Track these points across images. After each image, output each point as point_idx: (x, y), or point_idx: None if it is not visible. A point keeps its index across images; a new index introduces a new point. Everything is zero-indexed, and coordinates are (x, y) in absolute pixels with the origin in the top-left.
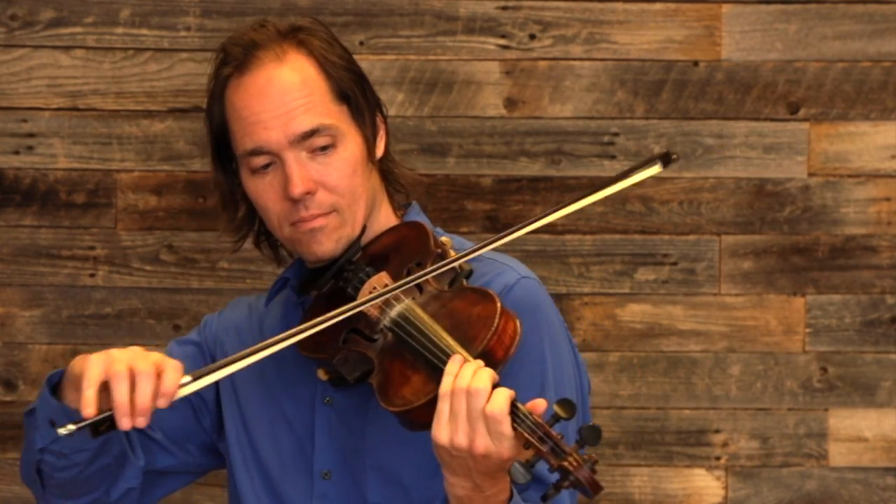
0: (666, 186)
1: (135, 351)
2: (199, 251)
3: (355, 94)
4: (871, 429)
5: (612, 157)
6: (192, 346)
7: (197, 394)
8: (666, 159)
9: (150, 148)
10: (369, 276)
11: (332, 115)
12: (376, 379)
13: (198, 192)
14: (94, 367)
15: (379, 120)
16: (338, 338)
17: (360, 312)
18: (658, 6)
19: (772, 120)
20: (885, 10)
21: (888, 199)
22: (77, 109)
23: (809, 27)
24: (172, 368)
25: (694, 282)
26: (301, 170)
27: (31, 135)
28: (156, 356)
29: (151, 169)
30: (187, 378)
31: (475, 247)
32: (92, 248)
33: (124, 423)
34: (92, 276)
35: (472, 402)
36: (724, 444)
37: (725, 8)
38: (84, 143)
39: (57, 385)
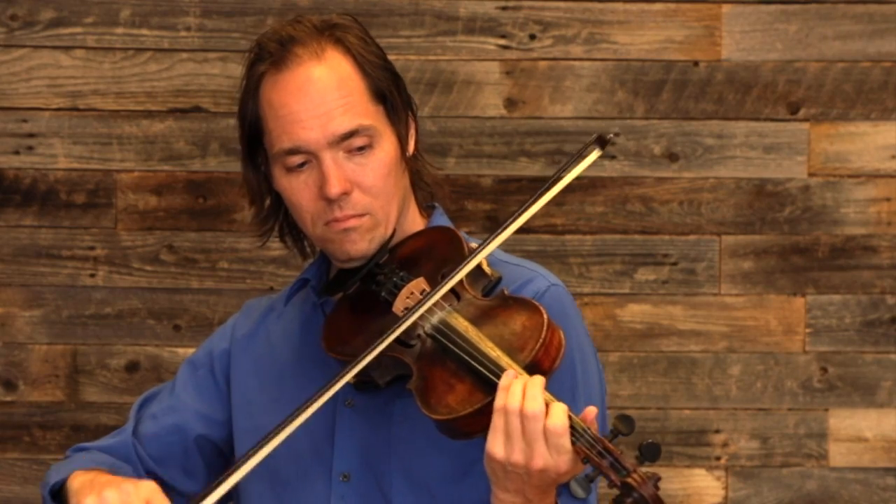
0: (666, 186)
1: (126, 492)
2: (199, 251)
3: (392, 94)
4: (871, 429)
5: (612, 157)
6: (202, 371)
7: (206, 417)
8: (602, 142)
9: (150, 148)
10: (404, 281)
11: (370, 115)
12: (416, 385)
13: (198, 192)
14: None
15: (410, 118)
16: (370, 341)
17: (396, 317)
18: (658, 6)
19: (772, 120)
20: (885, 10)
21: (888, 199)
22: (77, 109)
23: (809, 27)
24: None
25: (694, 282)
26: (338, 170)
27: (31, 135)
28: (146, 492)
29: (151, 169)
30: None
31: (494, 235)
32: (92, 248)
33: None
34: (92, 276)
35: (528, 424)
36: (725, 444)
37: (725, 8)
38: (84, 143)
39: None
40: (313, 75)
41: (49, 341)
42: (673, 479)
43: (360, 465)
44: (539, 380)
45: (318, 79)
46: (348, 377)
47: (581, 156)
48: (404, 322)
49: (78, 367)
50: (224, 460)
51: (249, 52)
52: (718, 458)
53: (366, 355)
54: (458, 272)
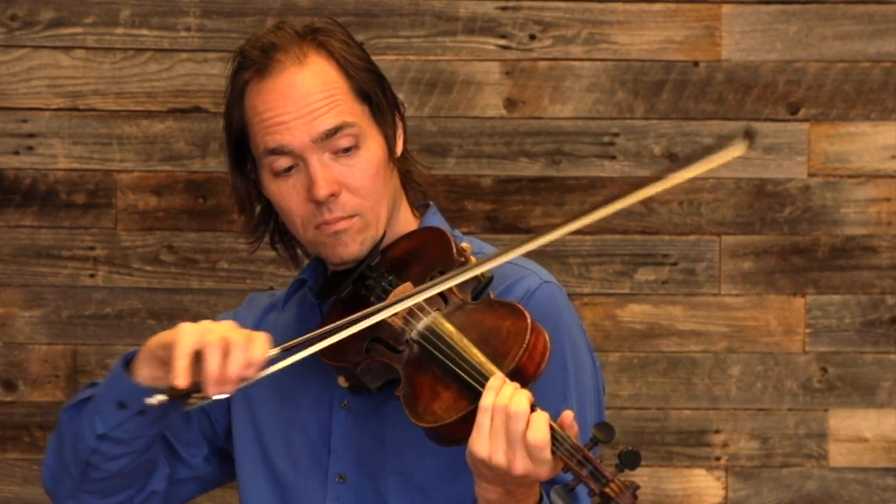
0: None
1: (228, 323)
2: (199, 251)
3: (376, 94)
4: (871, 429)
5: (612, 158)
6: None
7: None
8: (749, 135)
9: (150, 148)
10: (393, 286)
11: (355, 113)
12: (403, 392)
13: (198, 192)
14: (187, 336)
15: (397, 118)
16: (360, 346)
17: (384, 322)
18: (658, 6)
19: (772, 120)
20: (885, 10)
21: (888, 200)
22: (77, 109)
23: (809, 27)
24: (262, 339)
25: (694, 282)
26: (325, 171)
27: (31, 135)
28: (246, 330)
29: (151, 169)
30: (275, 350)
31: (497, 253)
32: (92, 248)
33: (213, 391)
34: (92, 276)
35: (511, 423)
36: (724, 445)
37: (725, 8)
38: (84, 143)
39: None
40: (297, 80)
41: (49, 341)
42: (673, 479)
43: (356, 467)
44: (527, 393)
45: (301, 83)
46: (376, 317)
47: (724, 147)
48: (385, 307)
49: (78, 367)
50: (216, 438)
51: (232, 61)
52: (718, 459)
53: (371, 314)
54: (455, 275)
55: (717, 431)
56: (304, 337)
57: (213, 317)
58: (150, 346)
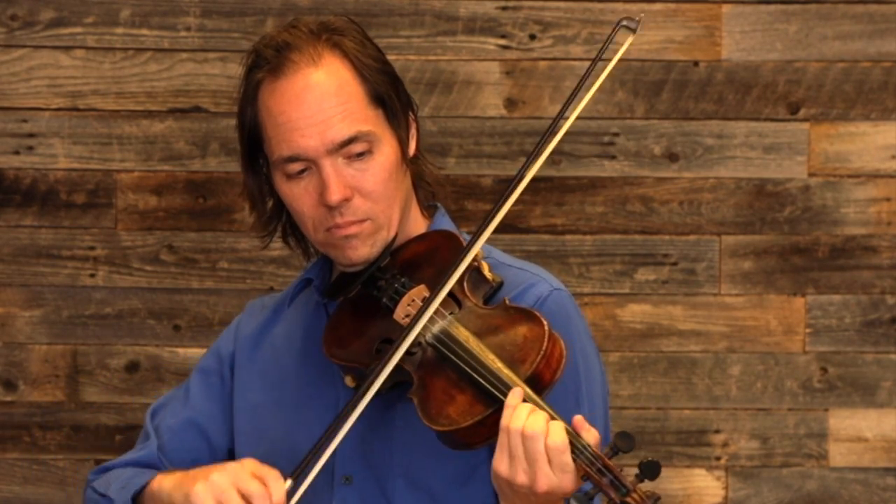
0: (666, 186)
1: (232, 470)
2: (199, 251)
3: (390, 97)
4: (871, 429)
5: (612, 157)
6: (214, 378)
7: (207, 414)
8: (631, 25)
9: (150, 148)
10: (406, 288)
11: (369, 120)
12: (417, 395)
13: (198, 192)
14: (205, 501)
15: (411, 119)
16: (370, 347)
17: (397, 324)
18: (658, 6)
19: (772, 120)
20: (885, 10)
21: (888, 199)
22: (77, 109)
23: (809, 27)
24: (274, 479)
25: (694, 282)
26: (338, 177)
27: (31, 135)
28: (251, 466)
29: (151, 169)
30: (289, 483)
31: (478, 231)
32: (92, 248)
33: None
34: (92, 276)
35: (528, 444)
36: (724, 445)
37: (725, 8)
38: (84, 143)
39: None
40: (311, 82)
41: (49, 341)
42: (673, 479)
43: (362, 468)
44: (545, 415)
45: (315, 85)
46: (377, 385)
47: (611, 41)
48: (412, 329)
49: (78, 367)
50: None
51: (246, 59)
52: (718, 458)
53: (383, 366)
54: (464, 255)
55: (717, 431)
56: (316, 446)
57: (214, 317)
58: (160, 495)
